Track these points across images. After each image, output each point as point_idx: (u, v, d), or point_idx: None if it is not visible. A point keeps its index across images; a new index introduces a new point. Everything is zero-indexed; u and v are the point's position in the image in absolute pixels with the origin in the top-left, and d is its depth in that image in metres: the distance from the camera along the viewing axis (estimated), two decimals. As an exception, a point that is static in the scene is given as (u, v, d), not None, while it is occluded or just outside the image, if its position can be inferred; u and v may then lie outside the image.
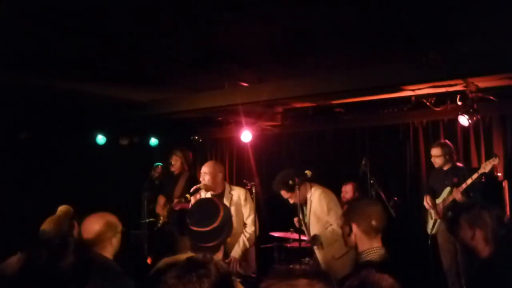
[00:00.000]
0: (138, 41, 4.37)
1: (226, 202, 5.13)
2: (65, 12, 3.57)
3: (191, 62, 5.07)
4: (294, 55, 4.99)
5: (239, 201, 5.17)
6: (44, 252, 1.95)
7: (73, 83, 5.68)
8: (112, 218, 2.99)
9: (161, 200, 6.19)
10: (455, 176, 5.69)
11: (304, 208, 5.03)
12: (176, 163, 6.37)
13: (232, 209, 5.14)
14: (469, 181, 5.46)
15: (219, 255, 2.64)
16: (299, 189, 4.87)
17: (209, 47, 4.60)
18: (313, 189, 4.98)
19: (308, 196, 4.96)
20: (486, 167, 5.41)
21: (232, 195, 5.18)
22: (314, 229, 4.91)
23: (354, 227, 2.63)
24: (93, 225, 2.90)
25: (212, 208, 2.74)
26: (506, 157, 6.30)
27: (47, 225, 3.93)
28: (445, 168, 5.83)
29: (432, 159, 5.91)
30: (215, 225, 2.62)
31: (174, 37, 4.29)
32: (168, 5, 3.52)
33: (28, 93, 5.97)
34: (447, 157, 5.81)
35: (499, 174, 6.08)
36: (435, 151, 5.87)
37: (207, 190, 5.14)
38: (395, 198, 6.16)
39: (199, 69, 5.29)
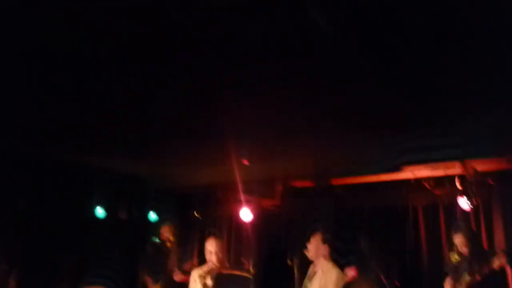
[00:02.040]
0: (139, 115, 4.47)
1: None
2: (68, 83, 3.68)
3: (190, 137, 5.15)
4: (294, 134, 5.08)
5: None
6: None
7: (74, 156, 5.74)
8: None
9: (147, 279, 6.09)
10: (475, 263, 5.47)
11: (309, 283, 4.95)
12: (168, 235, 6.34)
13: None
14: (478, 277, 5.30)
15: None
16: (296, 269, 4.85)
17: (209, 124, 4.69)
18: (329, 264, 4.92)
19: (320, 268, 4.89)
20: (495, 263, 5.27)
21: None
22: None
23: None
24: None
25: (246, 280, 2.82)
26: (508, 242, 6.21)
27: None
28: (465, 253, 5.61)
29: (458, 248, 5.69)
30: None
31: (175, 112, 4.39)
32: (169, 80, 3.64)
33: (29, 164, 6.02)
34: (472, 242, 5.63)
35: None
36: (459, 240, 5.62)
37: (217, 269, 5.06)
38: (396, 283, 6.01)
39: (199, 144, 5.37)
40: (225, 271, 4.83)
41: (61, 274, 3.92)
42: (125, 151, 5.68)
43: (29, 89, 3.76)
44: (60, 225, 7.37)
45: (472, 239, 5.66)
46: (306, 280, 5.04)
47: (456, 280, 5.66)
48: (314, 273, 5.04)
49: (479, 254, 5.62)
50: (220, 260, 5.10)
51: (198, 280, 4.87)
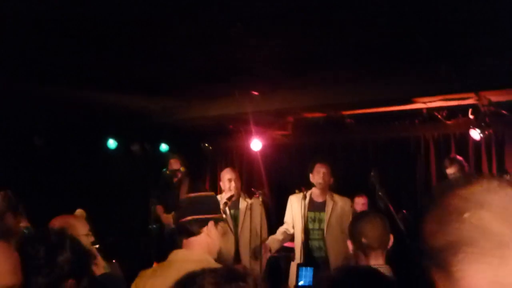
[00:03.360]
0: (150, 51, 4.41)
1: (242, 207, 5.19)
2: (79, 22, 3.62)
3: (202, 71, 5.10)
4: (306, 66, 5.00)
5: (255, 210, 5.20)
6: (41, 247, 1.95)
7: (85, 90, 5.74)
8: (72, 221, 2.95)
9: (160, 209, 6.26)
10: None
11: (317, 213, 5.03)
12: (176, 166, 6.42)
13: (247, 219, 5.18)
14: None
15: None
16: (304, 198, 4.91)
17: (220, 56, 4.62)
18: (336, 194, 5.06)
19: (330, 199, 4.97)
20: None
21: (247, 202, 5.22)
22: (334, 231, 4.90)
23: (349, 244, 2.63)
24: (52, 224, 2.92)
25: (207, 198, 2.72)
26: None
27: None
28: None
29: (450, 177, 5.80)
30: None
31: (186, 47, 4.32)
32: (180, 16, 3.55)
33: (42, 100, 6.04)
34: (462, 172, 5.73)
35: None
36: (451, 170, 5.72)
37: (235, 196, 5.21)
38: (404, 211, 6.11)
39: (210, 78, 5.32)
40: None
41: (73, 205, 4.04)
42: (138, 85, 5.65)
43: (40, 26, 3.69)
44: (74, 158, 7.53)
45: (463, 171, 5.72)
46: (309, 212, 5.08)
47: None
48: (320, 203, 5.08)
49: None
50: (238, 188, 5.23)
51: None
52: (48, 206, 5.31)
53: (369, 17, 3.64)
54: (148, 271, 2.52)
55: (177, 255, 2.51)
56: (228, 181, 5.23)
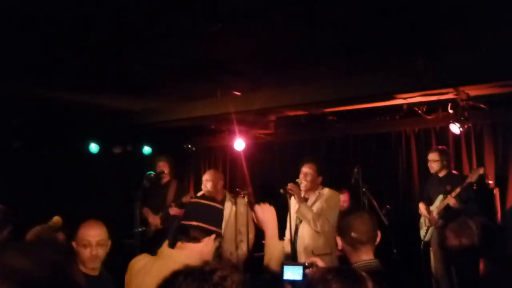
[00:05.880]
0: (131, 51, 4.38)
1: (226, 209, 5.20)
2: (58, 22, 3.58)
3: (183, 72, 5.09)
4: (287, 64, 5.01)
5: (240, 209, 5.24)
6: None
7: (67, 93, 5.69)
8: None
9: (147, 211, 6.26)
10: (448, 184, 5.71)
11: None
12: (164, 168, 6.41)
13: (232, 217, 5.21)
14: (457, 189, 5.51)
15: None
16: (289, 197, 4.93)
17: (201, 56, 4.62)
18: (326, 188, 5.07)
19: (315, 195, 4.99)
20: (472, 177, 5.46)
21: (232, 202, 5.27)
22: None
23: (339, 240, 2.64)
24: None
25: (218, 211, 2.62)
26: (497, 165, 6.33)
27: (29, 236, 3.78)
28: (441, 175, 5.86)
29: (429, 164, 5.94)
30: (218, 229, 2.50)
31: (167, 47, 4.30)
32: (160, 15, 3.54)
33: (22, 102, 5.97)
34: (444, 163, 5.84)
35: (490, 182, 6.10)
36: (432, 156, 5.90)
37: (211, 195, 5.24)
38: (388, 206, 6.16)
39: (192, 78, 5.31)
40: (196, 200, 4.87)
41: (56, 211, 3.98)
42: (118, 87, 5.61)
43: (19, 27, 3.64)
44: (55, 161, 7.43)
45: (444, 157, 5.84)
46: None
47: (429, 203, 5.90)
48: (306, 199, 5.08)
49: (451, 175, 5.82)
50: (214, 188, 5.27)
51: None
52: (28, 212, 5.25)
53: (349, 15, 3.67)
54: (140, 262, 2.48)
55: (166, 253, 2.44)
56: (205, 181, 5.44)
